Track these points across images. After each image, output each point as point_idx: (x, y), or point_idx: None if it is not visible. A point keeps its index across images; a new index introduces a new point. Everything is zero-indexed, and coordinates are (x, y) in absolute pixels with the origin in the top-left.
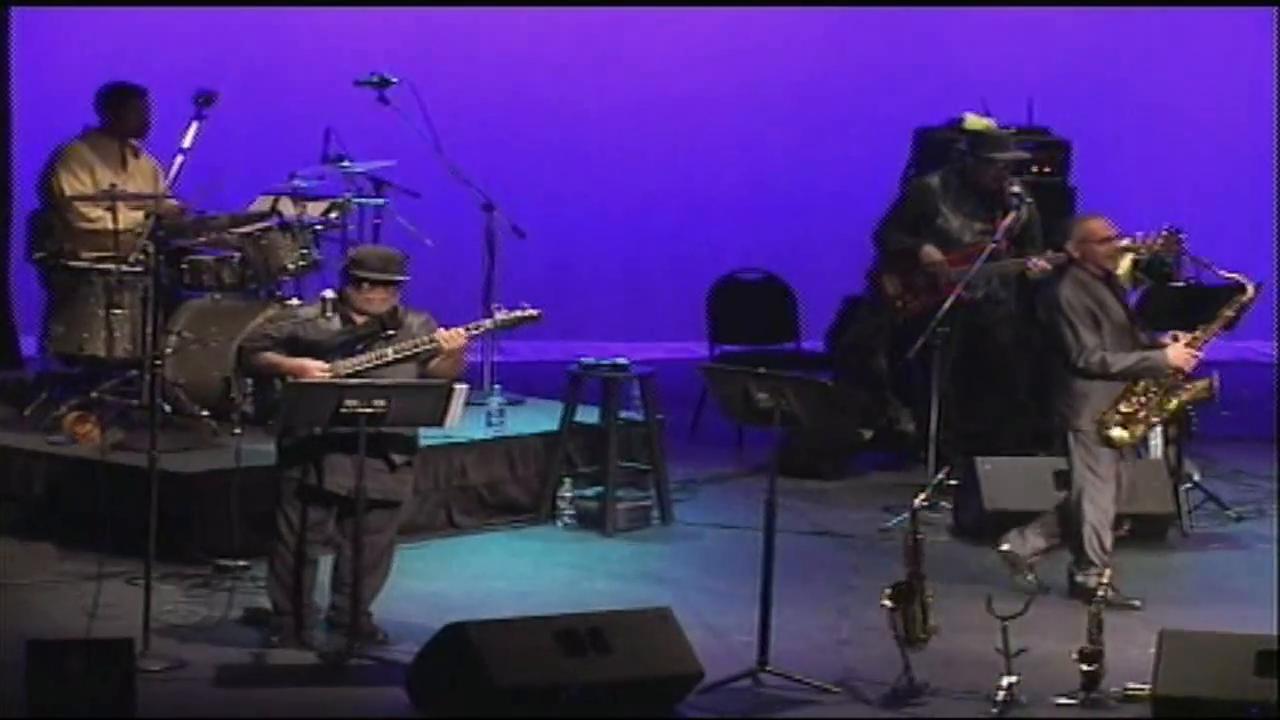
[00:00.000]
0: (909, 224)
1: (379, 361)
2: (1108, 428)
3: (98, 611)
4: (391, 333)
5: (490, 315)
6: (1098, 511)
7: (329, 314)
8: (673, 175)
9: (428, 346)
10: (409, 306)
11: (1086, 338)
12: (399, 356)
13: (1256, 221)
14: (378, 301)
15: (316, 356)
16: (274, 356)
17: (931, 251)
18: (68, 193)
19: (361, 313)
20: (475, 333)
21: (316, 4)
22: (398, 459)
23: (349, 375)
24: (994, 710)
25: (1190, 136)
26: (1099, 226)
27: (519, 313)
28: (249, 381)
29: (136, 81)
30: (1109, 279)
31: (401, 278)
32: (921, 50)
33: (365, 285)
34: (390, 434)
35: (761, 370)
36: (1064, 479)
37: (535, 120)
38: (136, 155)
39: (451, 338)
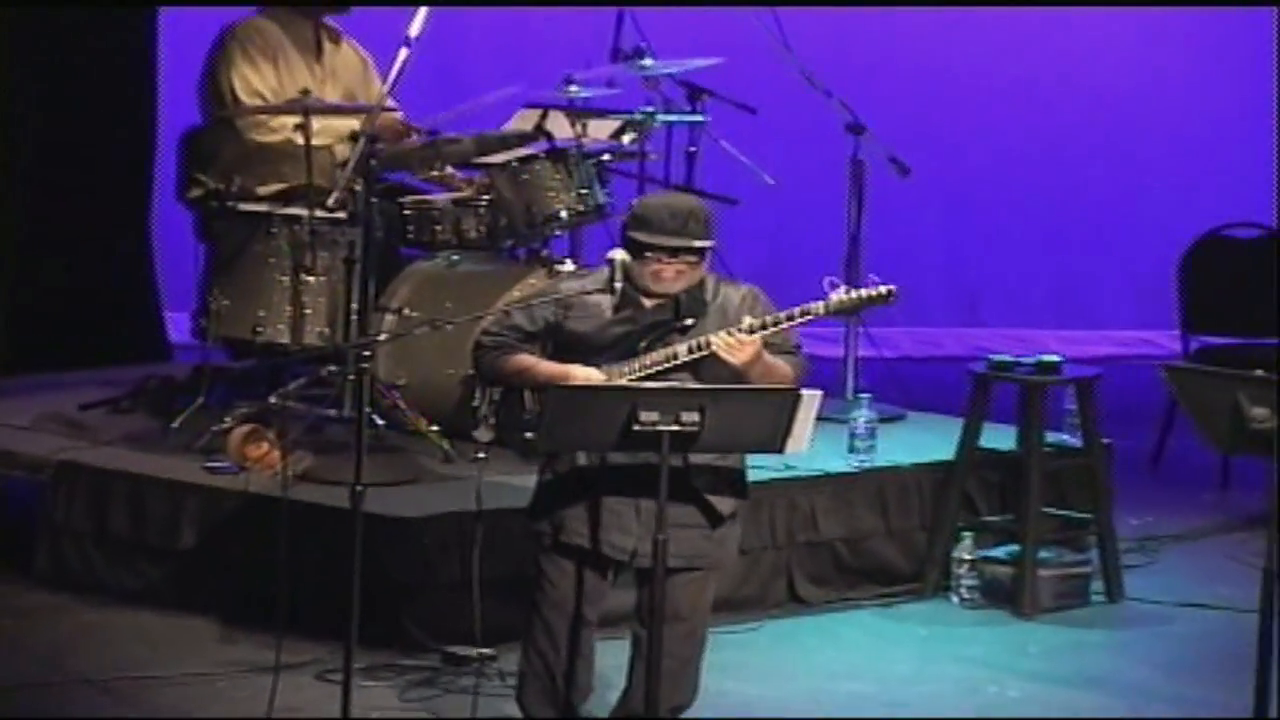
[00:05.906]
0: None
1: (667, 364)
2: None
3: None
4: (690, 322)
5: (825, 295)
6: None
7: (615, 284)
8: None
9: (704, 352)
10: (728, 277)
11: None
12: (694, 356)
13: None
14: (669, 278)
15: (584, 356)
16: (526, 359)
17: None
18: (241, 96)
19: (649, 293)
20: (799, 322)
21: None
22: (722, 507)
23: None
24: None
25: None
26: None
27: (866, 291)
28: (492, 389)
29: None
30: None
31: (703, 243)
32: None
33: (649, 254)
34: (703, 468)
35: (1259, 373)
36: None
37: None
38: (337, 42)
39: (733, 345)
